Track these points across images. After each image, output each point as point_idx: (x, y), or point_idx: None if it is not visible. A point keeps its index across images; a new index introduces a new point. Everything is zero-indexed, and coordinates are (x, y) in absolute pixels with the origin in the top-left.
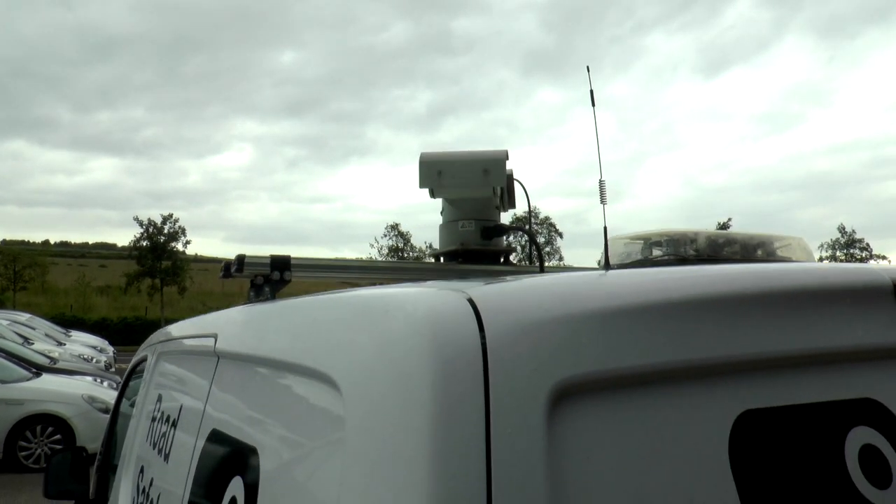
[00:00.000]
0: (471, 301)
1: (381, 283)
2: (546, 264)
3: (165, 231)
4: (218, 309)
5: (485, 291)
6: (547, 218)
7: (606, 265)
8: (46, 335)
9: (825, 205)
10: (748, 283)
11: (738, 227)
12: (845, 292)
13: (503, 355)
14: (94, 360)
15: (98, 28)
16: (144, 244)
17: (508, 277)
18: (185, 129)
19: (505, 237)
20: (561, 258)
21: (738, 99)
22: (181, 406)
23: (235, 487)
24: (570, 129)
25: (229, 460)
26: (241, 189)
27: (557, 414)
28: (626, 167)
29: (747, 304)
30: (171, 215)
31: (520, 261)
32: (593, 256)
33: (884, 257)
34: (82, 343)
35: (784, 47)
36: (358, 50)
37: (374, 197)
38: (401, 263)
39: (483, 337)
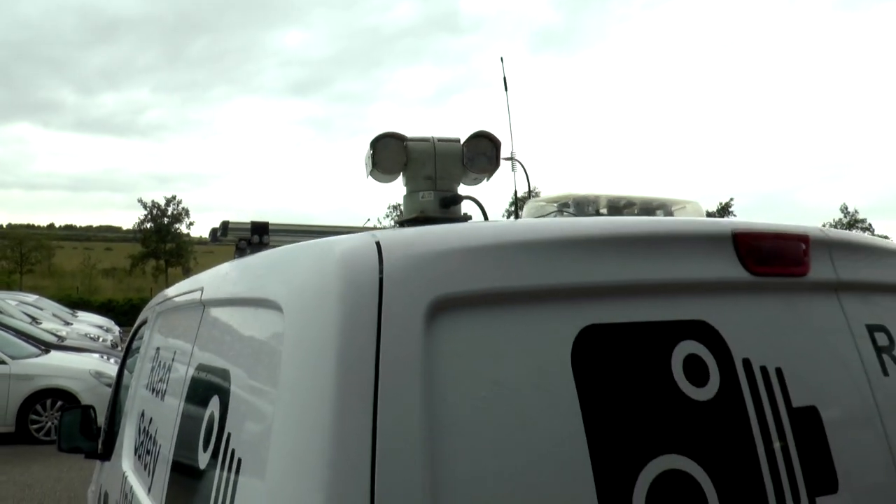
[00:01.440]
0: (377, 244)
1: None
2: None
3: (169, 213)
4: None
5: (390, 235)
6: (538, 192)
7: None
8: (54, 315)
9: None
10: (600, 227)
11: (742, 209)
12: (693, 237)
13: (394, 280)
14: (101, 339)
15: (101, 9)
16: (149, 226)
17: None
18: (190, 110)
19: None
20: None
21: (749, 74)
22: (174, 352)
23: (213, 405)
24: (575, 108)
25: (209, 385)
26: (246, 170)
27: (433, 324)
28: (624, 138)
29: (596, 243)
30: (174, 197)
31: None
32: None
33: (885, 237)
34: (89, 323)
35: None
36: (364, 29)
37: None
38: (368, 228)
39: (381, 268)
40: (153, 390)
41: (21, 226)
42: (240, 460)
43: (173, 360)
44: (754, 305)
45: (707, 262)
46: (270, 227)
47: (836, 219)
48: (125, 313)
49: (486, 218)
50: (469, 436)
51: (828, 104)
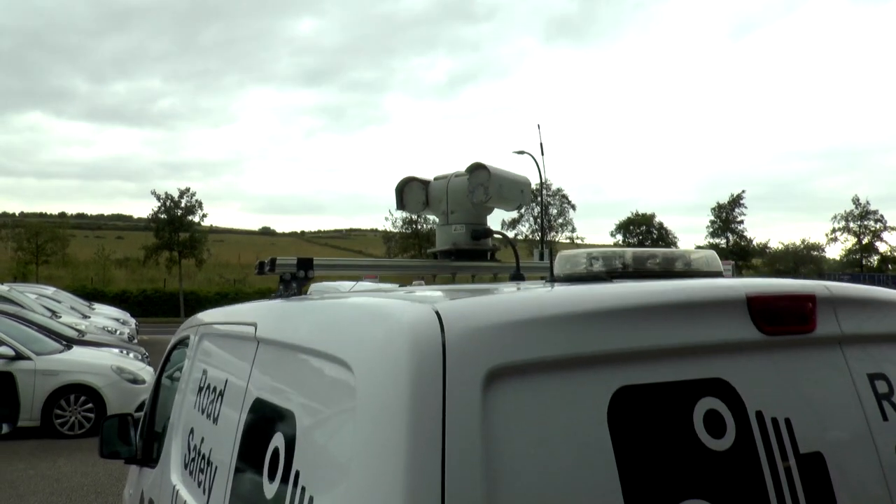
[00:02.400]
0: (437, 313)
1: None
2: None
3: (183, 205)
4: (236, 281)
5: (448, 306)
6: (559, 190)
7: (551, 277)
8: (72, 308)
9: (846, 174)
10: (632, 297)
11: (754, 199)
12: (712, 303)
13: (456, 352)
14: (118, 332)
15: None
16: (162, 217)
17: (467, 293)
18: (202, 98)
19: (491, 238)
20: (573, 229)
21: (762, 62)
22: (226, 380)
23: (277, 440)
24: (590, 97)
25: (271, 420)
26: (258, 159)
27: (489, 390)
28: (644, 133)
29: (628, 313)
30: (188, 189)
31: (533, 232)
32: (606, 227)
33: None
34: (105, 316)
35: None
36: (378, 17)
37: (391, 167)
38: (404, 262)
39: (443, 340)
40: (202, 411)
41: (33, 214)
42: (311, 498)
43: (225, 387)
44: (766, 362)
45: (724, 325)
46: (315, 263)
47: (848, 210)
48: (139, 304)
49: (515, 252)
50: (522, 486)
51: (840, 94)
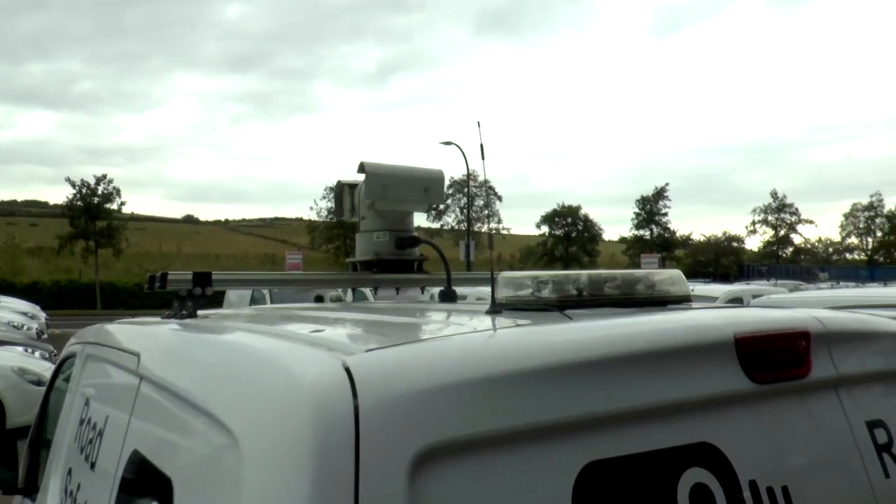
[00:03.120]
0: (347, 371)
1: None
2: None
3: (100, 192)
4: (153, 272)
5: (360, 362)
6: (486, 181)
7: (493, 305)
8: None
9: (765, 168)
10: (597, 347)
11: (677, 191)
12: (691, 349)
13: (372, 428)
14: (25, 328)
15: None
16: (78, 205)
17: (386, 332)
18: (125, 82)
19: (418, 248)
20: (499, 220)
21: (687, 60)
22: (107, 417)
23: None
24: (518, 89)
25: (147, 485)
26: (182, 146)
27: (419, 477)
28: (572, 127)
29: (595, 367)
30: (104, 176)
31: (459, 223)
32: (531, 218)
33: (811, 222)
34: (11, 309)
35: (736, 9)
36: (306, 4)
37: (318, 156)
38: (316, 275)
39: (356, 411)
40: (82, 451)
41: None
42: None
43: (105, 426)
44: (757, 417)
45: (709, 375)
46: (214, 278)
47: (766, 203)
48: (53, 296)
49: (446, 266)
50: None
51: (761, 91)
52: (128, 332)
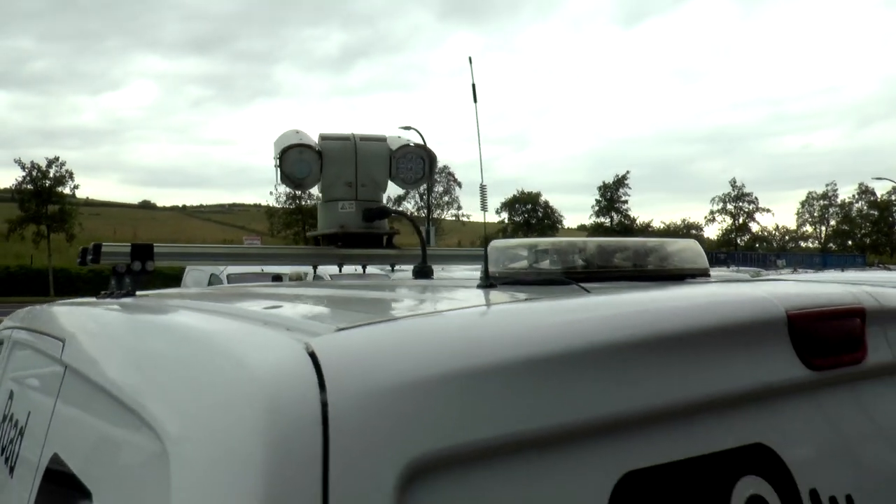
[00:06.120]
0: (314, 358)
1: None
2: (439, 217)
3: (51, 175)
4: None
5: (330, 346)
6: (445, 167)
7: (486, 278)
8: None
9: (724, 157)
10: (630, 329)
11: (638, 179)
12: (736, 329)
13: (346, 429)
14: None
15: None
16: (27, 188)
17: (360, 308)
18: (81, 62)
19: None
20: (459, 206)
21: (651, 50)
22: (28, 413)
23: None
24: (482, 76)
25: (66, 497)
26: (141, 129)
27: (410, 497)
28: (535, 115)
29: (630, 353)
30: (56, 158)
31: (418, 210)
32: (492, 205)
33: (768, 210)
34: None
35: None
36: None
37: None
38: (273, 248)
39: (325, 404)
40: (2, 451)
41: None
42: None
43: (26, 424)
44: (814, 412)
45: (760, 360)
46: (156, 252)
47: (726, 192)
48: (2, 282)
49: (421, 239)
50: None
51: (720, 81)
52: (56, 314)
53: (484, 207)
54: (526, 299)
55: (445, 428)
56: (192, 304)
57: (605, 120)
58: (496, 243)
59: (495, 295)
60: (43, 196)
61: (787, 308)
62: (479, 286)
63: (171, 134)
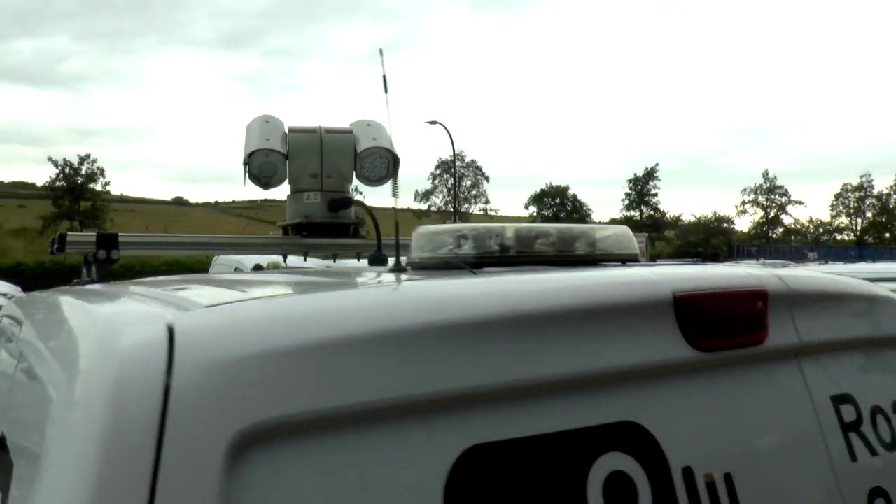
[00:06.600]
0: (170, 331)
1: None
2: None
3: (83, 172)
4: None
5: (190, 319)
6: (473, 161)
7: (397, 263)
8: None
9: (758, 149)
10: (490, 307)
11: (668, 172)
12: (616, 310)
13: (187, 399)
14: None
15: None
16: (60, 185)
17: (229, 300)
18: (115, 61)
19: (354, 208)
20: (487, 200)
21: (683, 42)
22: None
23: None
24: (511, 69)
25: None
26: (174, 126)
27: (240, 465)
28: (563, 107)
29: (485, 328)
30: (88, 155)
31: (446, 203)
32: (520, 199)
33: (801, 202)
34: None
35: None
36: None
37: None
38: (236, 238)
39: (169, 377)
40: None
41: None
42: None
43: None
44: (700, 392)
45: (640, 340)
46: (121, 241)
47: (758, 184)
48: (36, 277)
49: (376, 228)
50: None
51: (756, 73)
52: (27, 300)
53: (395, 194)
54: (400, 281)
55: (283, 398)
56: (120, 289)
57: (635, 112)
58: (420, 229)
59: (384, 277)
60: (75, 193)
61: (675, 290)
62: (389, 271)
63: (204, 130)
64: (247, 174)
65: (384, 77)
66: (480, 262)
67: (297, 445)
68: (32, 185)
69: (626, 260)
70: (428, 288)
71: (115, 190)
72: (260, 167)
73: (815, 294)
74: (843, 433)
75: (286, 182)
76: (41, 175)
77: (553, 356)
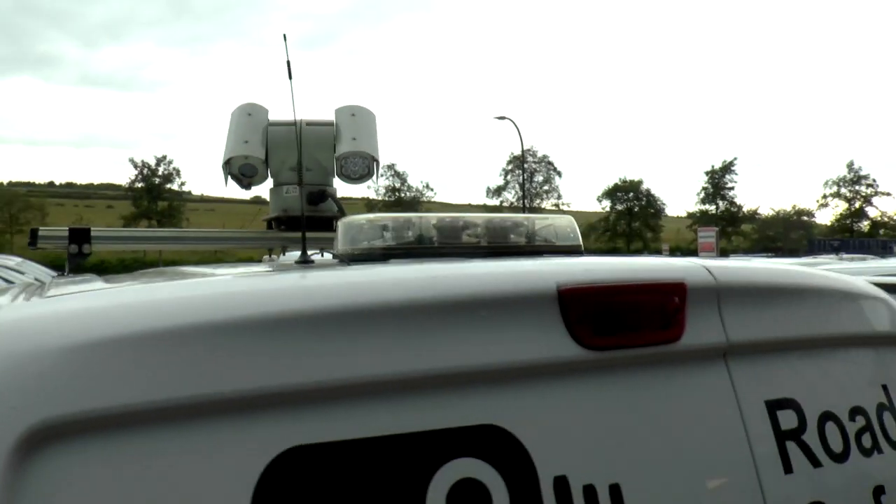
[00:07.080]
0: None
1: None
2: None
3: (160, 173)
4: (217, 251)
5: (8, 313)
6: (545, 156)
7: (303, 255)
8: (35, 279)
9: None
10: (332, 296)
11: (747, 165)
12: (492, 302)
13: None
14: None
15: None
16: (139, 186)
17: (69, 293)
18: (196, 65)
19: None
20: (559, 196)
21: (768, 26)
22: None
23: None
24: (584, 61)
25: None
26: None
27: (28, 463)
28: (638, 99)
29: (323, 322)
30: (164, 157)
31: (518, 199)
32: (594, 193)
33: (888, 194)
34: None
35: None
36: None
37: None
38: (213, 232)
39: None
40: None
41: (20, 184)
42: None
43: None
44: (586, 395)
45: (514, 337)
46: (93, 235)
47: (840, 175)
48: (117, 273)
49: (334, 225)
50: None
51: (836, 61)
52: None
53: (300, 182)
54: (264, 273)
55: (83, 394)
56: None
57: (714, 104)
58: (346, 219)
59: (257, 269)
60: (153, 193)
61: (560, 283)
62: (296, 262)
63: None
64: (227, 176)
65: (288, 63)
66: (390, 252)
67: (98, 444)
68: (120, 187)
69: (567, 251)
70: (282, 280)
71: (196, 190)
72: (241, 169)
73: (749, 288)
74: (777, 441)
75: (269, 179)
76: (128, 176)
77: (399, 353)
